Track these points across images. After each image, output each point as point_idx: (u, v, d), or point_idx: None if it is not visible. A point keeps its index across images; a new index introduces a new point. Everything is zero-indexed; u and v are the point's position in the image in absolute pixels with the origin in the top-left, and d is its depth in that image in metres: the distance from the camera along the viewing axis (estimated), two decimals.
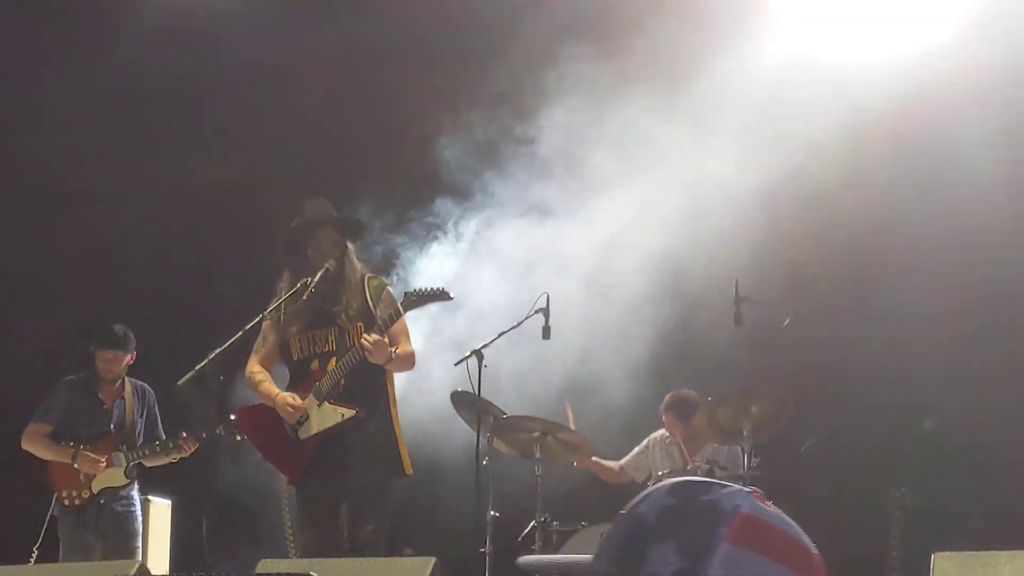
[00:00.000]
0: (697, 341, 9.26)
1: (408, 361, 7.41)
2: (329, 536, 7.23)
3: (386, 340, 7.16)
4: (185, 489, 7.60)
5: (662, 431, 9.53)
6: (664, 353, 9.59)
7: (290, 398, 7.36)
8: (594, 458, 9.32)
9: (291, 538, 7.69)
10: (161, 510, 9.14)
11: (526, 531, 8.72)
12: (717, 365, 9.19)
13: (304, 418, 7.36)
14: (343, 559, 6.79)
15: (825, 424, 8.87)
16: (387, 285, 7.54)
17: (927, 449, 8.68)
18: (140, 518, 8.81)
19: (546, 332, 8.76)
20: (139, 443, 8.74)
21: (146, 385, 9.00)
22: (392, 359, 7.21)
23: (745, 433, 8.44)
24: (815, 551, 2.15)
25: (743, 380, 8.79)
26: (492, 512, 8.69)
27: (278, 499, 8.24)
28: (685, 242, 9.26)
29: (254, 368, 7.54)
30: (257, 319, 7.39)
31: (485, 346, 8.77)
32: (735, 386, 8.64)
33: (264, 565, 6.32)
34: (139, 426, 8.85)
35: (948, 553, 6.83)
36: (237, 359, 7.33)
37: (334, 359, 7.34)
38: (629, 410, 9.59)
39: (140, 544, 8.77)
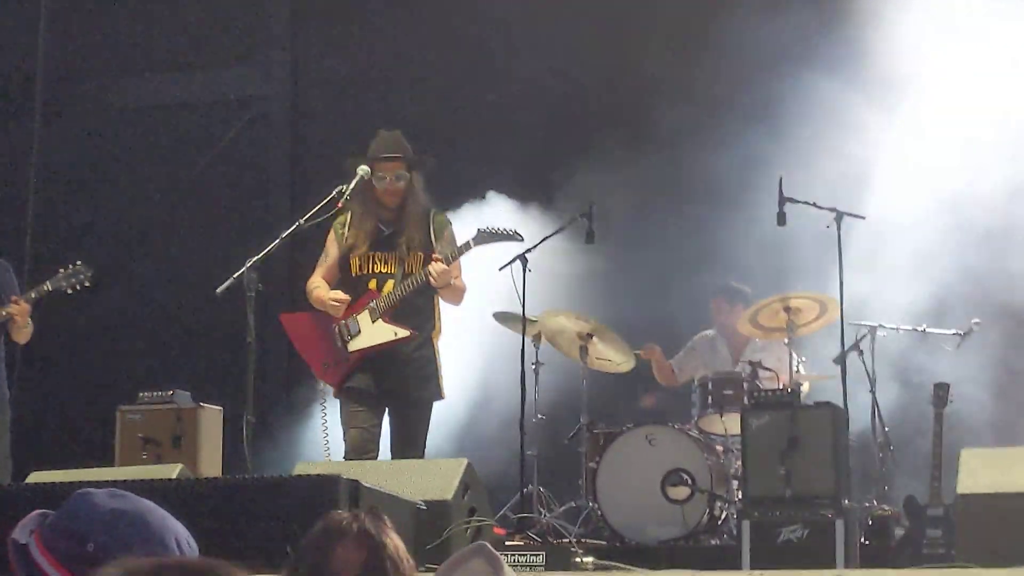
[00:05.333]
0: (738, 239, 9.26)
1: (460, 294, 7.69)
2: (371, 439, 7.40)
3: (451, 270, 7.49)
4: (232, 395, 7.70)
5: (708, 331, 9.58)
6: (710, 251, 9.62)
7: (338, 294, 7.58)
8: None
9: (326, 444, 7.87)
10: (213, 416, 9.25)
11: (572, 434, 8.80)
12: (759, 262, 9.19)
13: (356, 332, 7.53)
14: (377, 461, 6.96)
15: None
16: (450, 224, 7.75)
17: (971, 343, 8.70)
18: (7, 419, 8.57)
19: (590, 236, 8.79)
20: None
21: (4, 262, 8.71)
22: (450, 285, 7.51)
23: (789, 331, 8.51)
24: None
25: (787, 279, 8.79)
26: (538, 415, 8.79)
27: (316, 406, 8.36)
28: None
29: (315, 281, 7.79)
30: (292, 228, 7.54)
31: (529, 251, 8.83)
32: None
33: (301, 467, 6.46)
34: None
35: (975, 449, 6.90)
36: (275, 269, 7.45)
37: (391, 281, 7.58)
38: (676, 313, 9.60)
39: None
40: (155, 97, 11.92)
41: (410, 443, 7.45)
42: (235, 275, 7.24)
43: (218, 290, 7.34)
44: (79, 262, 8.41)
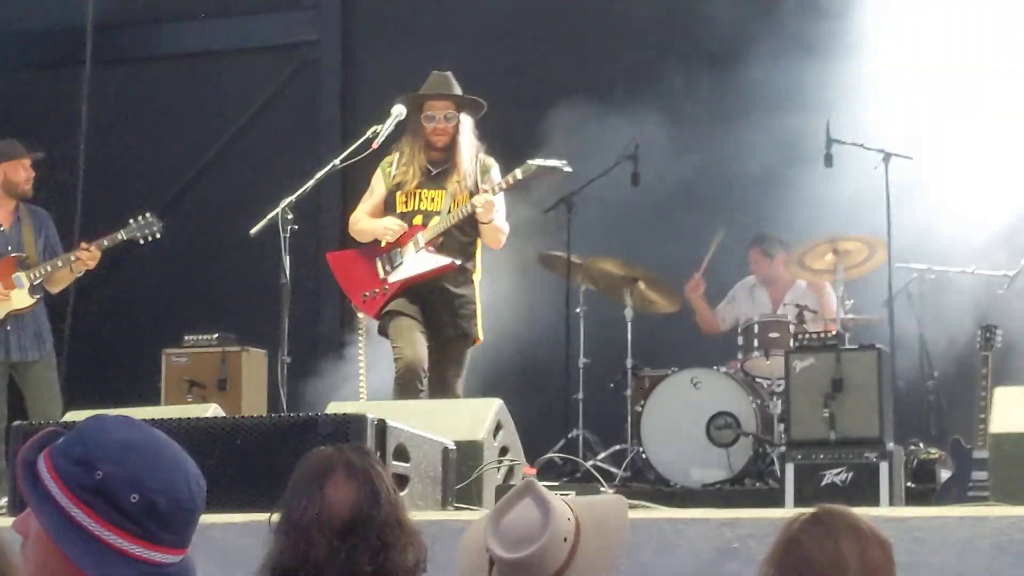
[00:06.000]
0: (788, 183, 9.16)
1: (502, 234, 7.64)
2: (416, 338, 7.38)
3: (495, 203, 7.43)
4: (272, 337, 7.74)
5: (748, 277, 9.51)
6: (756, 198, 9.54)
7: (393, 220, 7.60)
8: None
9: (363, 381, 7.88)
10: (257, 359, 9.31)
11: (618, 377, 8.79)
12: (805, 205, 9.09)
13: (399, 263, 7.58)
14: (406, 402, 6.97)
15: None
16: (496, 165, 7.69)
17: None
18: (55, 363, 8.61)
19: (635, 179, 8.74)
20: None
21: (40, 208, 8.76)
22: (492, 222, 7.46)
23: (836, 273, 8.43)
24: None
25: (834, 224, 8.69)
26: (583, 359, 8.78)
27: (356, 345, 8.38)
28: None
29: (358, 215, 7.80)
30: (328, 167, 7.58)
31: (574, 193, 8.80)
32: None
33: (333, 407, 6.47)
34: (39, 247, 8.55)
35: (1008, 387, 6.81)
36: (309, 208, 7.44)
37: (436, 218, 7.56)
38: (721, 253, 9.53)
39: (58, 395, 8.53)
40: (204, 43, 11.92)
41: (443, 381, 7.44)
42: (269, 216, 7.26)
43: (252, 231, 7.37)
44: (148, 213, 8.42)
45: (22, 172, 8.53)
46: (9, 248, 8.48)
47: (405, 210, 7.65)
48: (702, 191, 9.63)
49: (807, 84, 9.12)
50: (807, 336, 8.02)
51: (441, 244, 7.54)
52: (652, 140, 9.11)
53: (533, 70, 10.76)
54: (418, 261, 7.55)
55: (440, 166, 7.65)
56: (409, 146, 7.66)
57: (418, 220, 7.60)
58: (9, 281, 8.39)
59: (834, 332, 8.01)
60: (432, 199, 7.63)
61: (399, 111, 7.57)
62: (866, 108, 8.95)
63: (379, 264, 7.67)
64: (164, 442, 2.46)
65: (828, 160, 8.50)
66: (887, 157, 8.29)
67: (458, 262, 7.51)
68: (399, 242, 7.61)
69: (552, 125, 10.00)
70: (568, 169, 7.58)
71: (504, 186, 7.49)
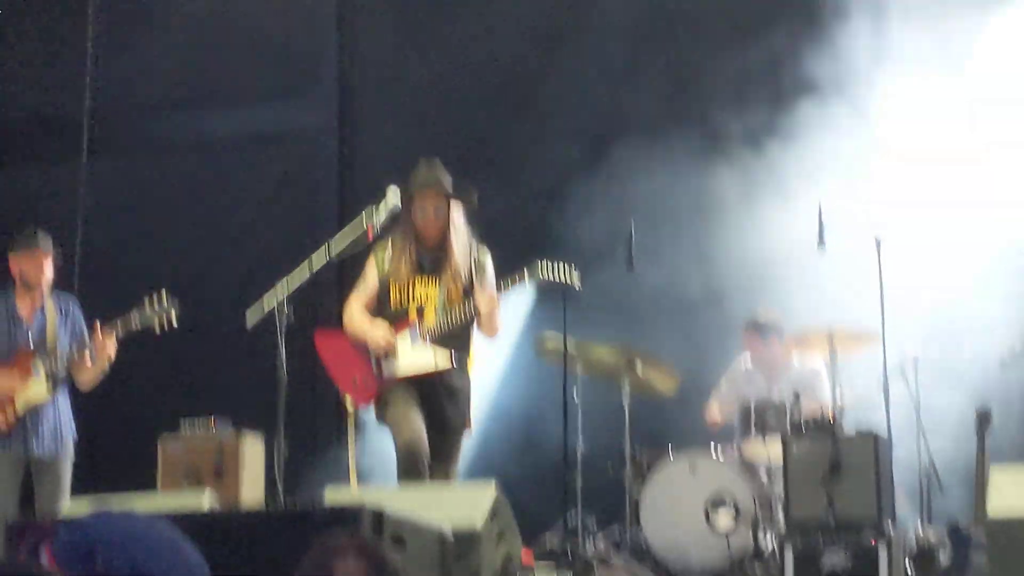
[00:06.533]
0: (779, 265, 9.22)
1: (496, 327, 7.58)
2: (417, 420, 7.36)
3: (496, 301, 7.42)
4: (269, 422, 7.73)
5: (745, 363, 9.50)
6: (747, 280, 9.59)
7: (386, 332, 7.55)
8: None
9: (354, 467, 7.86)
10: (254, 445, 9.31)
11: (615, 461, 8.77)
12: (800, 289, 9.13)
13: (393, 356, 7.50)
14: (403, 488, 6.95)
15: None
16: (488, 261, 7.68)
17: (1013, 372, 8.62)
18: (70, 460, 8.36)
19: (629, 263, 8.77)
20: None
21: (71, 297, 8.61)
22: (493, 315, 7.44)
23: (830, 355, 8.45)
24: None
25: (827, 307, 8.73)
26: (581, 443, 8.77)
27: (344, 429, 8.38)
28: None
29: (354, 308, 7.75)
30: (325, 260, 7.49)
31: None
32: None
33: (330, 492, 6.46)
34: (62, 339, 8.36)
35: (1004, 466, 6.81)
36: (307, 295, 7.45)
37: (432, 311, 7.55)
38: (716, 337, 9.56)
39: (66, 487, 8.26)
40: (200, 133, 12.00)
41: (438, 469, 7.41)
42: (266, 309, 7.25)
43: (249, 324, 7.35)
44: (163, 292, 8.11)
45: (36, 265, 8.32)
46: (31, 340, 8.34)
47: (398, 303, 7.61)
48: (697, 275, 9.67)
49: (801, 168, 9.21)
50: (804, 419, 8.05)
51: (436, 338, 7.52)
52: (646, 224, 9.16)
53: (530, 153, 10.83)
54: (414, 359, 7.52)
55: (433, 256, 7.63)
56: (401, 238, 7.64)
57: (412, 313, 7.58)
58: (28, 373, 8.26)
59: (831, 415, 8.03)
60: (426, 293, 7.60)
61: (394, 203, 7.49)
62: (859, 191, 9.02)
63: (372, 354, 7.62)
64: (165, 533, 2.48)
65: (821, 243, 8.55)
66: (879, 240, 8.34)
67: (454, 363, 7.49)
68: (394, 333, 7.57)
69: (548, 209, 10.08)
70: (576, 288, 7.55)
71: (506, 287, 7.45)
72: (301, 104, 11.95)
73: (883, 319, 8.20)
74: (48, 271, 8.38)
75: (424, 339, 7.48)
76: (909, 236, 8.60)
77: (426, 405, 7.48)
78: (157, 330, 8.15)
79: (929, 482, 8.58)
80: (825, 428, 7.87)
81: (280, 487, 7.14)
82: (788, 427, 8.15)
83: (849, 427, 8.08)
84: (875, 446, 7.65)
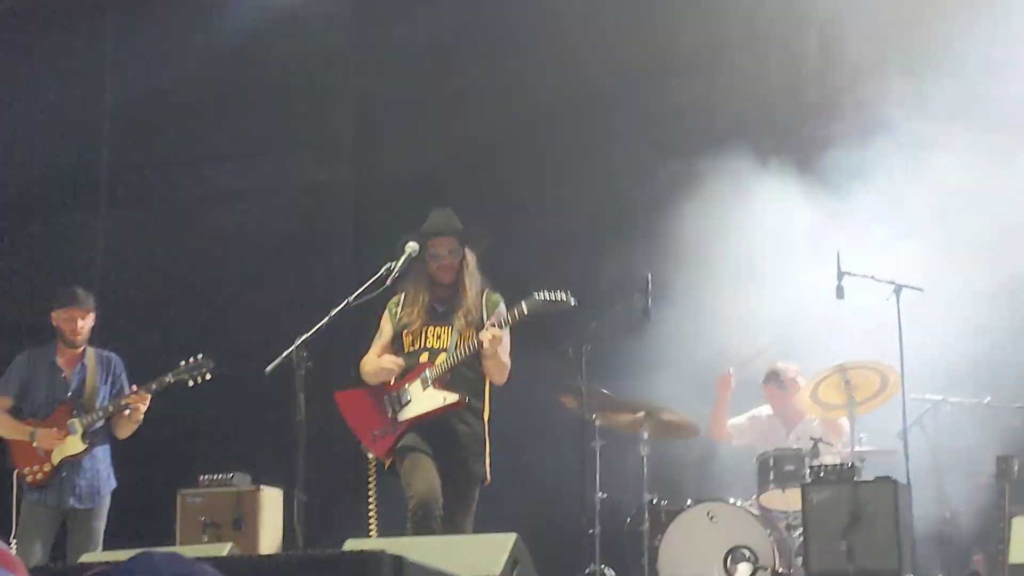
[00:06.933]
0: (800, 316, 9.20)
1: (505, 370, 7.60)
2: (431, 472, 7.36)
3: (501, 337, 7.43)
4: (287, 474, 7.73)
5: (767, 408, 9.50)
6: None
7: (393, 358, 7.63)
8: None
9: (373, 519, 7.85)
10: (272, 497, 9.29)
11: (634, 512, 8.75)
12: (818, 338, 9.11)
13: (407, 401, 7.57)
14: (423, 538, 6.94)
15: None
16: (502, 301, 7.71)
17: None
18: (104, 513, 8.60)
19: (646, 313, 8.76)
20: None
21: (113, 354, 8.81)
22: (497, 355, 7.44)
23: (849, 407, 8.42)
24: None
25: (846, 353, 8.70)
26: (600, 493, 8.75)
27: (363, 479, 8.37)
28: None
29: (368, 359, 7.80)
30: (342, 304, 7.50)
31: (588, 329, 8.82)
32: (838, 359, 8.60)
33: (351, 543, 6.46)
34: (102, 393, 8.63)
35: None
36: (324, 346, 7.45)
37: (443, 355, 7.57)
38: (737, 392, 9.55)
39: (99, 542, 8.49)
40: (216, 184, 12.05)
41: (452, 519, 7.39)
42: (284, 354, 7.28)
43: (267, 369, 7.36)
44: (200, 355, 8.47)
45: (76, 321, 8.59)
46: (70, 395, 8.57)
47: (412, 349, 7.65)
48: (713, 324, 9.66)
49: (819, 217, 9.24)
50: (823, 468, 8.01)
51: (449, 381, 7.53)
52: (664, 274, 9.16)
53: (544, 205, 10.85)
54: (426, 399, 7.54)
55: (446, 303, 7.68)
56: (414, 285, 7.70)
57: (424, 357, 7.60)
58: (64, 427, 8.47)
59: (850, 464, 8.00)
60: (439, 336, 7.64)
61: (412, 248, 7.57)
62: (877, 240, 9.02)
63: (387, 403, 7.66)
64: (211, 573, 2.50)
65: (840, 292, 8.55)
66: (898, 288, 8.34)
67: (467, 399, 7.51)
68: (406, 380, 7.61)
69: (563, 259, 10.08)
70: (574, 302, 7.56)
71: (510, 321, 7.49)
72: (317, 155, 12.00)
73: (902, 365, 8.18)
74: (87, 327, 8.65)
75: (436, 382, 7.49)
76: (927, 282, 8.56)
77: (441, 455, 7.47)
78: (190, 383, 8.49)
79: (950, 531, 8.53)
80: (845, 476, 7.84)
81: (299, 536, 7.12)
82: (807, 474, 8.12)
83: (868, 475, 8.04)
84: (895, 493, 7.61)
